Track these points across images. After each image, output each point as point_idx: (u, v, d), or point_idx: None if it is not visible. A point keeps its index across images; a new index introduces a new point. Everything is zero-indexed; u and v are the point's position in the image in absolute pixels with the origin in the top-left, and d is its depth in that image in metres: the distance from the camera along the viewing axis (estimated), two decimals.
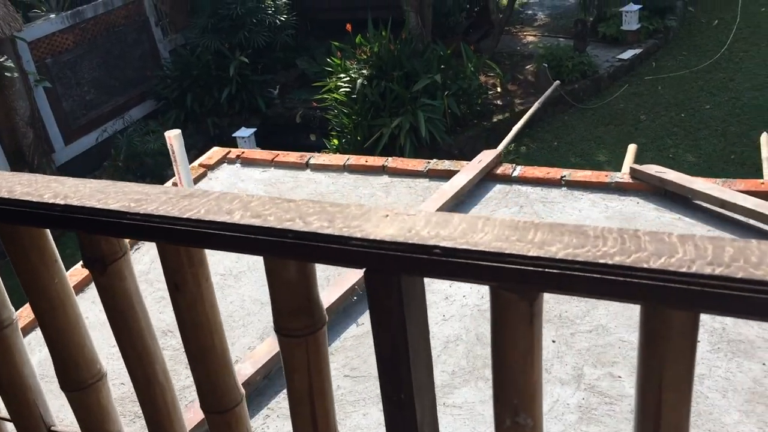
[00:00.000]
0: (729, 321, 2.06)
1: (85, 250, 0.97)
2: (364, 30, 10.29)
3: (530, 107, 10.56)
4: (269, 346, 2.19)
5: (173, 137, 2.91)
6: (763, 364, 1.90)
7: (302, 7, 12.27)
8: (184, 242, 0.88)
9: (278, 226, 0.80)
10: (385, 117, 9.48)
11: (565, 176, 2.94)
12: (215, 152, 3.63)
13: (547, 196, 2.88)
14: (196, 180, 3.30)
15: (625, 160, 3.59)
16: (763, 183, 2.60)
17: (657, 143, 9.60)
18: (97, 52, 10.09)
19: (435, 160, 3.21)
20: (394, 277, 0.77)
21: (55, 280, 1.02)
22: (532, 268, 0.67)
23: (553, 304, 2.31)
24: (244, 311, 2.51)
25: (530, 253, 0.67)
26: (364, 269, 0.79)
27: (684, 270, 0.61)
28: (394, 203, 3.03)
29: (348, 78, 9.71)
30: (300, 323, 0.88)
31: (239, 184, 3.39)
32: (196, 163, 3.51)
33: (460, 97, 9.96)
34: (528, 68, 11.52)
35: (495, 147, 10.47)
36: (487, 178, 3.05)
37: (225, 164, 3.58)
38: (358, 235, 0.76)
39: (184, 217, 0.84)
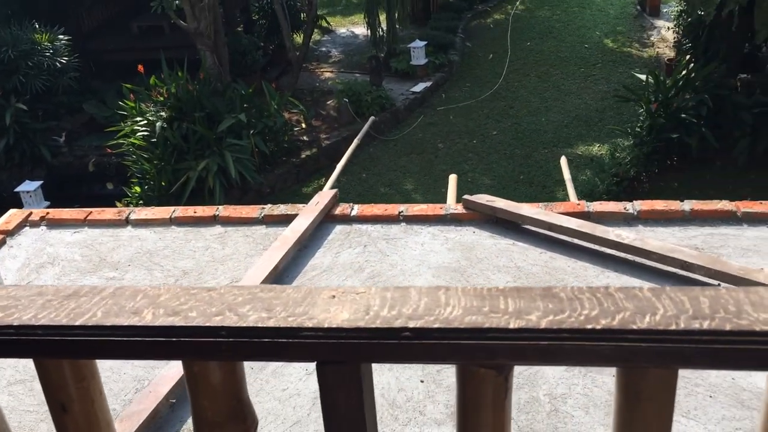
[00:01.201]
0: None
1: None
2: (158, 71, 9.84)
3: (336, 141, 10.79)
4: None
5: None
6: (613, 375, 2.05)
7: (85, 48, 11.43)
8: (80, 355, 0.72)
9: (207, 324, 0.67)
10: (191, 160, 9.10)
11: (402, 211, 2.99)
12: (13, 215, 3.18)
13: (389, 233, 2.91)
14: None
15: (448, 190, 3.76)
16: (579, 204, 2.85)
17: (455, 168, 10.25)
18: None
19: (269, 205, 3.10)
20: (353, 366, 0.69)
21: None
22: (514, 342, 0.63)
23: None
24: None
25: (511, 326, 0.63)
26: (314, 362, 0.70)
27: (673, 328, 0.61)
28: (232, 255, 2.87)
29: (145, 121, 9.19)
30: (231, 431, 0.75)
31: (48, 250, 2.99)
32: None
33: (267, 135, 9.89)
34: (329, 103, 11.77)
35: (306, 183, 10.47)
36: (327, 219, 3.00)
37: (27, 228, 3.15)
38: (309, 325, 0.66)
39: (77, 324, 0.68)
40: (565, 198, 9.12)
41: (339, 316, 0.67)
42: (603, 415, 1.91)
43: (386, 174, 10.40)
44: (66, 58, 10.17)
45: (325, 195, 3.03)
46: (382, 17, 12.82)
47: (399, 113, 11.58)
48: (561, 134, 10.87)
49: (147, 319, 0.68)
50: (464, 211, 2.93)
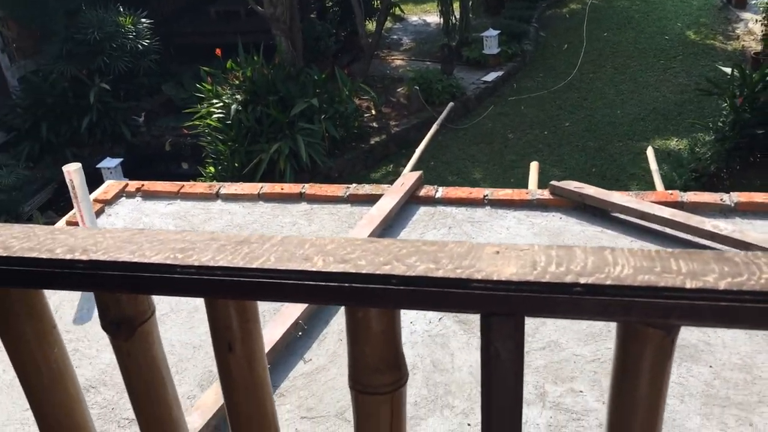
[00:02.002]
0: None
1: (108, 312, 0.81)
2: (234, 55, 10.06)
3: (406, 128, 10.81)
4: (215, 395, 2.00)
5: (73, 172, 2.62)
6: (710, 366, 2.00)
7: (166, 32, 11.78)
8: (256, 296, 0.75)
9: (377, 272, 0.70)
10: (263, 142, 9.28)
11: (487, 195, 2.98)
12: (110, 186, 3.33)
13: (473, 216, 2.90)
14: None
15: (530, 177, 3.72)
16: (672, 194, 2.78)
17: (525, 159, 10.11)
18: None
19: (355, 184, 3.15)
20: (519, 319, 0.70)
21: (54, 350, 0.84)
22: (692, 302, 0.63)
23: None
24: (175, 357, 2.29)
25: (687, 286, 0.63)
26: (479, 313, 0.71)
27: None
28: (318, 231, 2.93)
29: (221, 104, 9.42)
30: (386, 379, 0.77)
31: (144, 219, 3.12)
32: (90, 197, 3.19)
33: (337, 121, 9.98)
34: (400, 91, 11.77)
35: (374, 168, 10.54)
36: (411, 200, 3.02)
37: (123, 198, 3.29)
38: (478, 277, 0.68)
39: (253, 267, 0.72)
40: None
41: (506, 269, 0.68)
42: (699, 405, 1.87)
43: (455, 162, 10.35)
44: (147, 41, 10.51)
45: (410, 176, 3.05)
46: (455, 5, 12.73)
47: (469, 102, 11.49)
48: (637, 127, 10.57)
49: (319, 265, 0.71)
50: (551, 197, 2.90)
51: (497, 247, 0.71)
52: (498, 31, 12.37)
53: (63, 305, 2.61)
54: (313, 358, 2.21)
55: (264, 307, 2.48)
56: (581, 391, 1.99)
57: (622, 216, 2.74)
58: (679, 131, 10.29)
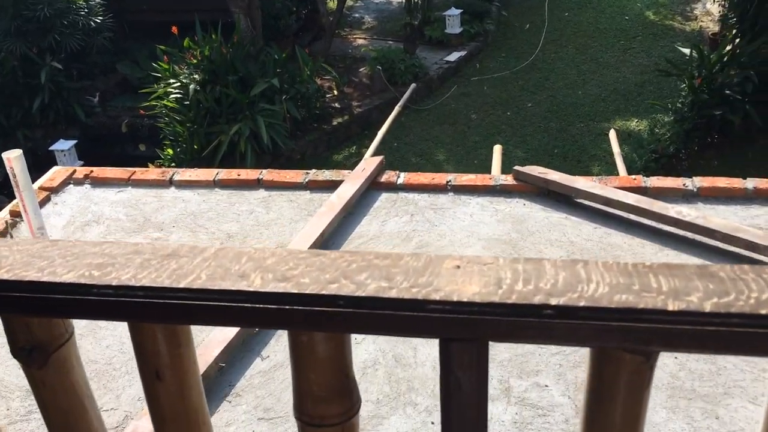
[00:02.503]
0: None
1: (17, 337, 0.71)
2: (191, 33, 9.77)
3: (368, 109, 10.68)
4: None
5: (14, 159, 2.46)
6: (675, 357, 1.98)
7: (119, 8, 11.37)
8: (182, 320, 0.66)
9: (322, 292, 0.62)
10: (223, 123, 9.07)
11: (450, 181, 2.92)
12: (57, 172, 3.16)
13: (436, 203, 2.83)
14: (39, 206, 2.84)
15: (493, 160, 3.66)
16: (635, 179, 2.75)
17: (489, 140, 10.10)
18: None
19: (314, 170, 3.05)
20: (482, 345, 0.62)
21: None
22: (674, 326, 0.56)
23: None
24: (124, 356, 2.18)
25: (669, 307, 0.56)
26: (437, 338, 0.63)
27: None
28: (276, 219, 2.82)
29: (179, 83, 9.16)
30: (335, 409, 0.69)
31: (92, 208, 2.97)
32: (35, 185, 3.03)
33: (299, 101, 9.81)
34: (362, 71, 11.61)
35: (337, 150, 10.42)
36: (372, 186, 2.94)
37: (71, 185, 3.13)
38: (436, 297, 0.60)
39: (181, 286, 0.63)
40: (602, 174, 8.96)
41: (468, 288, 0.60)
42: (665, 398, 1.84)
43: (418, 144, 10.28)
44: (100, 18, 10.15)
45: (371, 162, 2.96)
46: None
47: (432, 82, 11.40)
48: (598, 108, 10.63)
49: (256, 284, 0.62)
50: (514, 182, 2.85)
51: (458, 260, 0.63)
52: (460, 10, 12.28)
53: None
54: (270, 354, 2.12)
55: None
56: (546, 386, 1.95)
57: (586, 202, 2.71)
58: (639, 112, 10.38)
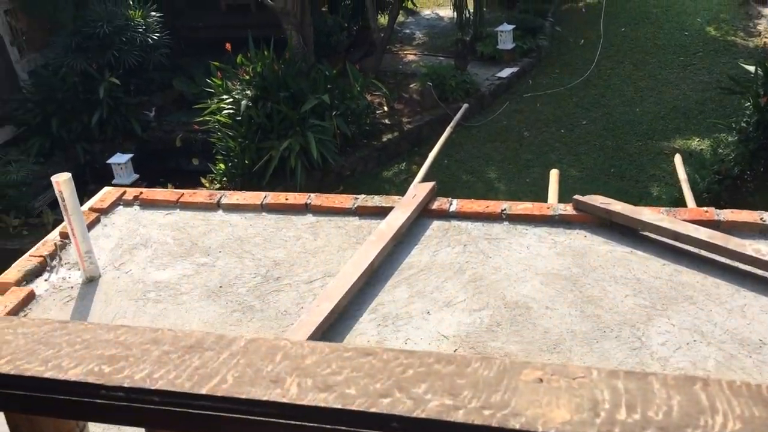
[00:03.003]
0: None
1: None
2: (244, 49, 9.88)
3: (418, 125, 10.60)
4: None
5: (62, 182, 2.45)
6: None
7: (175, 26, 11.62)
8: (201, 430, 0.57)
9: (372, 410, 0.51)
10: (274, 139, 9.11)
11: (505, 209, 2.79)
12: (107, 193, 3.16)
13: (490, 232, 2.71)
14: (89, 228, 2.84)
15: (550, 186, 3.51)
16: (707, 211, 2.57)
17: (542, 158, 9.89)
18: None
19: (363, 195, 2.96)
20: None
21: None
22: None
23: None
24: None
25: None
26: None
27: None
28: (324, 247, 2.74)
29: (231, 99, 9.26)
30: None
31: (140, 230, 2.95)
32: (85, 207, 3.03)
33: (349, 117, 9.80)
34: (412, 87, 11.55)
35: (387, 166, 10.36)
36: (423, 214, 2.83)
37: (120, 207, 3.13)
38: (516, 426, 0.49)
39: (203, 392, 0.53)
40: (662, 196, 8.65)
41: (556, 414, 0.49)
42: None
43: (469, 161, 10.13)
44: (157, 35, 10.36)
45: (422, 188, 2.86)
46: None
47: (484, 99, 11.25)
48: (657, 126, 10.30)
49: (292, 392, 0.52)
50: (574, 212, 2.70)
51: (539, 370, 0.52)
52: (513, 26, 12.11)
53: None
54: None
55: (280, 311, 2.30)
56: None
57: (653, 235, 2.54)
58: (701, 131, 10.01)
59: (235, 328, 2.35)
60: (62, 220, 8.35)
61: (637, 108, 10.81)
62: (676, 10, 13.67)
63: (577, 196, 2.69)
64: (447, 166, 10.03)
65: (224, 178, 9.28)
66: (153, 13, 10.50)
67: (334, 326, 2.29)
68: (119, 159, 9.60)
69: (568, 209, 2.73)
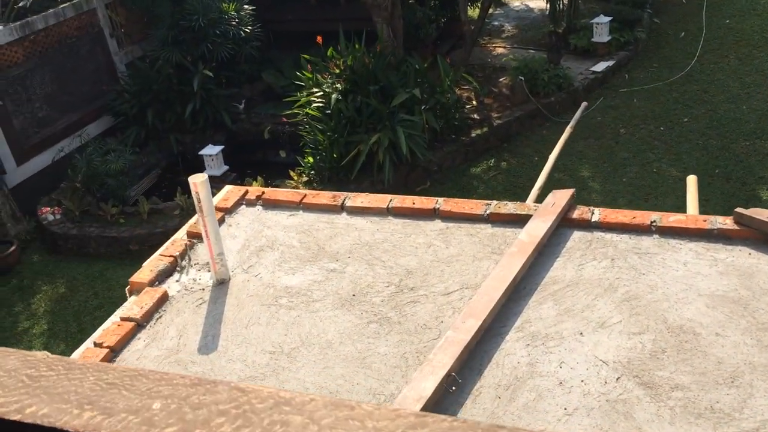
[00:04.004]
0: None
1: None
2: (334, 42, 9.86)
3: (508, 121, 10.31)
4: None
5: (199, 184, 2.40)
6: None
7: (265, 19, 11.73)
8: None
9: None
10: (362, 133, 9.05)
11: (655, 221, 2.57)
12: (230, 192, 3.12)
13: (639, 246, 2.50)
14: None
15: (688, 195, 3.26)
16: None
17: (639, 157, 9.47)
18: (48, 66, 9.32)
19: (496, 202, 2.80)
20: None
21: None
22: None
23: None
24: None
25: None
26: None
27: None
28: (458, 256, 2.60)
29: (321, 92, 9.25)
30: None
31: (266, 232, 2.89)
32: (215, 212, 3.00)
33: (438, 112, 9.63)
34: (502, 81, 11.27)
35: (475, 162, 10.16)
36: (563, 223, 2.65)
37: (243, 206, 3.08)
38: None
39: None
40: None
41: None
42: None
43: (560, 158, 9.67)
44: (249, 28, 10.47)
45: (561, 195, 2.68)
46: None
47: (577, 94, 10.85)
48: (765, 125, 9.68)
49: None
50: (735, 226, 2.46)
51: None
52: (610, 18, 11.63)
53: (187, 329, 2.42)
54: (467, 417, 1.90)
55: (407, 351, 2.18)
56: None
57: None
58: None
59: (373, 341, 2.25)
60: (158, 210, 8.49)
61: (743, 105, 10.19)
62: None
63: (739, 209, 2.45)
64: (537, 164, 9.72)
65: (312, 171, 9.30)
66: (246, 6, 10.62)
67: (480, 344, 2.15)
68: (211, 150, 9.77)
69: (728, 223, 2.49)
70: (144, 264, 2.70)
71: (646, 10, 12.68)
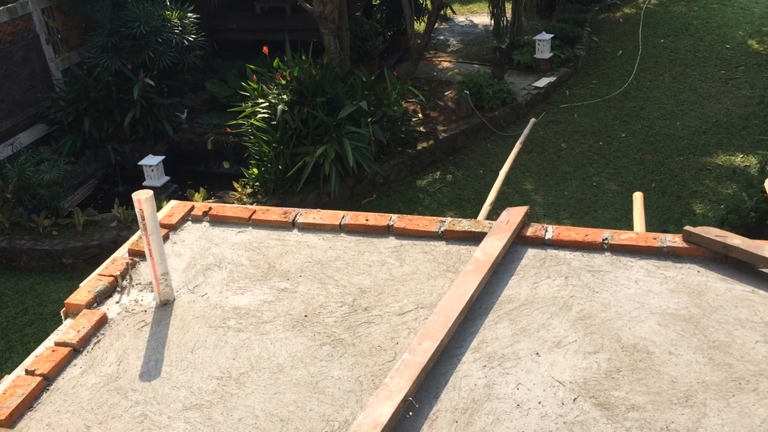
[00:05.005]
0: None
1: None
2: (280, 53, 9.75)
3: (453, 134, 10.39)
4: None
5: (144, 200, 2.28)
6: None
7: (209, 27, 11.52)
8: None
9: None
10: (308, 145, 8.96)
11: (606, 239, 2.59)
12: (175, 208, 2.99)
13: (592, 264, 2.51)
14: None
15: (635, 212, 3.31)
16: None
17: (580, 171, 9.68)
18: None
19: (450, 219, 2.77)
20: None
21: None
22: None
23: None
24: None
25: None
26: None
27: None
28: (412, 274, 2.56)
29: (267, 103, 9.12)
30: None
31: (213, 249, 2.78)
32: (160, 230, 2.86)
33: (384, 124, 9.63)
34: (447, 94, 11.38)
35: (421, 175, 10.19)
36: (517, 241, 2.64)
37: (189, 222, 2.96)
38: None
39: None
40: (707, 214, 8.38)
41: None
42: None
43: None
44: (193, 36, 10.25)
45: (515, 213, 2.67)
46: (507, 6, 12.28)
47: (520, 109, 11.07)
48: (698, 141, 10.06)
49: None
50: (684, 244, 2.50)
51: None
52: (551, 35, 11.91)
53: (128, 354, 2.28)
54: None
55: (361, 374, 2.12)
56: None
57: None
58: (745, 147, 9.74)
59: (326, 364, 2.17)
60: (94, 222, 8.14)
61: (677, 122, 10.57)
62: (717, 23, 13.41)
63: (688, 227, 2.49)
64: (482, 177, 9.84)
65: (256, 183, 9.15)
66: (189, 15, 10.40)
67: (437, 366, 2.10)
68: (151, 161, 9.49)
69: (677, 240, 2.53)
70: (81, 284, 2.55)
71: (586, 29, 13.05)
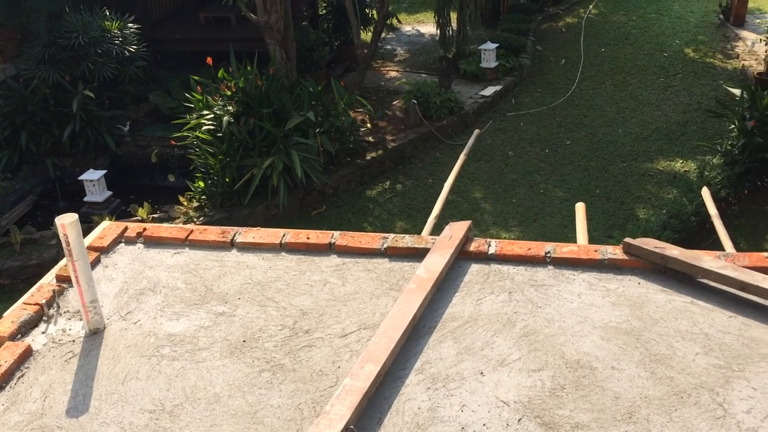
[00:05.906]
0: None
1: None
2: (225, 63, 9.60)
3: (402, 144, 10.39)
4: None
5: (68, 225, 2.15)
6: None
7: (151, 37, 11.27)
8: None
9: None
10: (256, 157, 8.83)
11: (549, 252, 2.58)
12: (107, 229, 2.87)
13: (535, 278, 2.50)
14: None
15: (578, 224, 3.32)
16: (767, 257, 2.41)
17: (527, 179, 9.80)
18: None
19: (393, 235, 2.73)
20: None
21: None
22: None
23: None
24: None
25: None
26: None
27: None
28: (355, 293, 2.50)
29: (212, 115, 8.95)
30: None
31: (147, 273, 2.67)
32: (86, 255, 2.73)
33: (333, 135, 9.56)
34: (395, 104, 11.39)
35: (370, 185, 10.14)
36: (461, 256, 2.62)
37: (122, 244, 2.84)
38: None
39: None
40: (650, 218, 8.57)
41: None
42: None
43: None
44: (134, 47, 10.00)
45: (458, 228, 2.64)
46: (453, 16, 12.39)
47: (467, 117, 11.15)
48: (640, 147, 10.31)
49: None
50: (624, 256, 2.51)
51: None
52: (496, 44, 12.06)
53: (54, 388, 2.16)
54: None
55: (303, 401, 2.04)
56: None
57: (711, 282, 2.36)
58: (684, 153, 10.02)
59: (265, 392, 2.09)
60: (33, 240, 7.81)
61: (619, 129, 10.82)
62: (655, 32, 13.81)
63: (627, 239, 2.50)
64: (432, 185, 9.86)
65: (203, 196, 8.97)
66: (130, 25, 10.14)
67: (380, 390, 2.05)
68: (92, 175, 9.19)
69: (617, 252, 2.54)
70: (5, 314, 2.41)
71: (530, 38, 13.26)
